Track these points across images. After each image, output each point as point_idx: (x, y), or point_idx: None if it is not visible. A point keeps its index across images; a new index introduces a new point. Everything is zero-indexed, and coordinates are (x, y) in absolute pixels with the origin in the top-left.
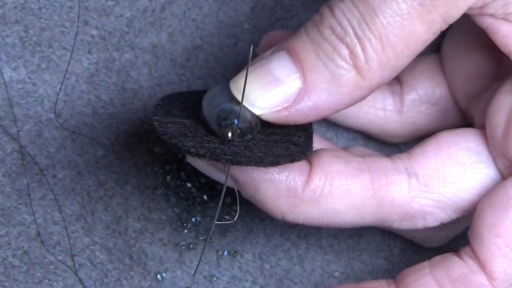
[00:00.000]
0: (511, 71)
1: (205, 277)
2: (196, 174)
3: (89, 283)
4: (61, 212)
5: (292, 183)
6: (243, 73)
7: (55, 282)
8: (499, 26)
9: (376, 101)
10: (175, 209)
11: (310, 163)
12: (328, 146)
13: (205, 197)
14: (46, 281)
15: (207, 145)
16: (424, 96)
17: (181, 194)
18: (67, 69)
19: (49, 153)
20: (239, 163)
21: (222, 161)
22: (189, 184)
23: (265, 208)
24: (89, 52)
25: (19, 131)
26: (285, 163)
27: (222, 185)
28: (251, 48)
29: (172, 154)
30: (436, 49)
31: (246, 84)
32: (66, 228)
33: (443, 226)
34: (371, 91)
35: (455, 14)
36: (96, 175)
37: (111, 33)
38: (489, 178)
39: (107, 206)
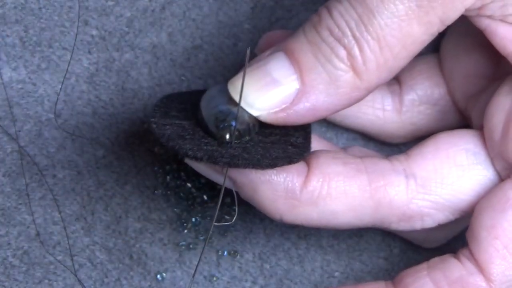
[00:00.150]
0: (509, 72)
1: (205, 277)
2: (196, 174)
3: (89, 283)
4: (60, 212)
5: (290, 185)
6: (240, 74)
7: (55, 282)
8: (497, 28)
9: (375, 102)
10: (175, 209)
11: (308, 164)
12: (327, 146)
13: (205, 197)
14: (46, 281)
15: (205, 147)
16: (423, 96)
17: (181, 194)
18: (67, 69)
19: (49, 153)
20: (236, 166)
21: (220, 164)
22: (189, 184)
23: (263, 209)
24: (89, 52)
25: (19, 131)
26: (282, 165)
27: (221, 185)
28: (248, 50)
29: (172, 154)
30: (435, 49)
31: (244, 86)
32: (65, 228)
33: (441, 226)
34: (369, 92)
35: (453, 15)
36: (96, 175)
37: (111, 33)
38: (487, 179)
39: (107, 206)
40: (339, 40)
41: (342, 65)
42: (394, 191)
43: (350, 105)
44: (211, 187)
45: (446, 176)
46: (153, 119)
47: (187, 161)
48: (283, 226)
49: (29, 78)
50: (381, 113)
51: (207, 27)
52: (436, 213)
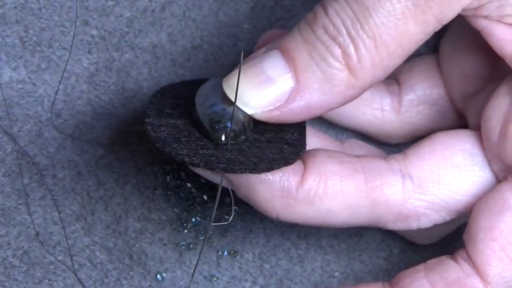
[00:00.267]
0: (507, 73)
1: (205, 277)
2: (196, 174)
3: (89, 283)
4: (59, 212)
5: (286, 184)
6: (235, 72)
7: (55, 282)
8: (494, 29)
9: (374, 102)
10: (175, 209)
11: (304, 163)
12: (324, 139)
13: (205, 197)
14: (46, 281)
15: (201, 151)
16: (422, 96)
17: (181, 194)
18: (65, 68)
19: (49, 153)
20: (233, 171)
21: (217, 170)
22: (189, 184)
23: (259, 208)
24: (89, 52)
25: (19, 131)
26: (279, 167)
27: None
28: (242, 54)
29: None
30: (434, 50)
31: (239, 83)
32: (64, 229)
33: (435, 225)
34: (363, 90)
35: (449, 15)
36: (96, 175)
37: (111, 33)
38: (483, 180)
39: (107, 206)
40: (334, 39)
41: (337, 64)
42: (390, 191)
43: (345, 103)
44: (211, 187)
45: (442, 177)
46: (148, 120)
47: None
48: (283, 226)
49: (29, 78)
50: (380, 113)
51: (207, 27)
52: (432, 213)
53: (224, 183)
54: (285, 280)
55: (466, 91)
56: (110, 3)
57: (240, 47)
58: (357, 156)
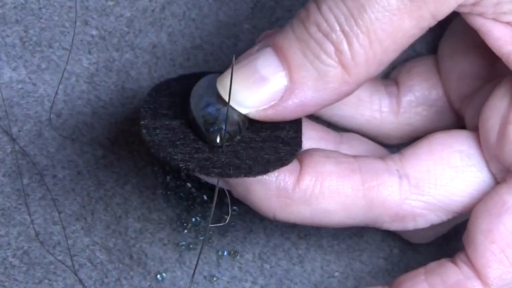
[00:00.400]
0: (504, 73)
1: (205, 277)
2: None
3: (89, 283)
4: (59, 213)
5: (282, 184)
6: (229, 72)
7: (55, 282)
8: (491, 28)
9: (373, 103)
10: (175, 209)
11: (300, 162)
12: (322, 131)
13: (205, 197)
14: (46, 281)
15: (196, 155)
16: (421, 97)
17: (181, 194)
18: (65, 69)
19: (49, 153)
20: (228, 176)
21: (212, 175)
22: (189, 184)
23: (256, 208)
24: (89, 52)
25: (19, 131)
26: (274, 169)
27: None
28: (234, 57)
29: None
30: (433, 50)
31: (233, 84)
32: (64, 229)
33: (432, 225)
34: (358, 86)
35: (445, 10)
36: (96, 175)
37: (111, 33)
38: (480, 181)
39: (107, 206)
40: (327, 36)
41: (330, 61)
42: (387, 191)
43: (340, 99)
44: (211, 187)
45: (439, 177)
46: (143, 122)
47: None
48: (283, 226)
49: (29, 78)
50: (378, 114)
51: (207, 27)
52: (429, 213)
53: (221, 184)
54: (285, 280)
55: (464, 91)
56: (110, 3)
57: (240, 47)
58: (354, 156)
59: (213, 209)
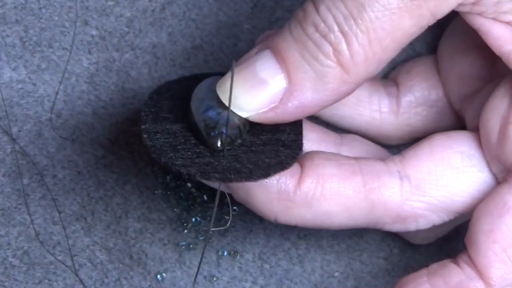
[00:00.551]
0: (504, 73)
1: (205, 277)
2: None
3: (89, 283)
4: (59, 213)
5: (283, 186)
6: (228, 77)
7: (55, 282)
8: (491, 28)
9: (372, 103)
10: (175, 209)
11: (301, 165)
12: (322, 133)
13: (205, 197)
14: (46, 281)
15: (197, 160)
16: (421, 98)
17: (181, 194)
18: (65, 69)
19: (49, 153)
20: (229, 180)
21: (213, 180)
22: (189, 184)
23: (257, 210)
24: (89, 52)
25: (19, 131)
26: (275, 173)
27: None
28: (233, 62)
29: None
30: (433, 50)
31: (232, 88)
32: (64, 229)
33: (433, 226)
34: (357, 85)
35: (445, 9)
36: (96, 175)
37: (111, 33)
38: (481, 181)
39: (107, 206)
40: (324, 36)
41: (328, 62)
42: (388, 193)
43: (339, 99)
44: (212, 188)
45: (440, 178)
46: (144, 126)
47: None
48: (283, 226)
49: (29, 78)
50: (378, 114)
51: (207, 27)
52: (430, 214)
53: (222, 188)
54: (285, 280)
55: (464, 92)
56: (110, 3)
57: (240, 47)
58: (355, 158)
59: (214, 213)
